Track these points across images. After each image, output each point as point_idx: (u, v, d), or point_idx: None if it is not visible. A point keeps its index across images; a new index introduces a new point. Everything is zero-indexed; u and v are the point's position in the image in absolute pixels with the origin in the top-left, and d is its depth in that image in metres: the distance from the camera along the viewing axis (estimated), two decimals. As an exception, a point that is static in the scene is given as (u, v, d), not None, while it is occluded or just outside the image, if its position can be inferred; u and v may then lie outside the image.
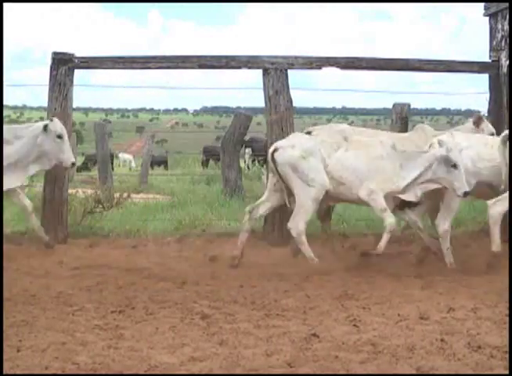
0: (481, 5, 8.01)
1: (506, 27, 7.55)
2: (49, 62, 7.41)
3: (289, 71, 7.51)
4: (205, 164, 25.30)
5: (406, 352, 3.85)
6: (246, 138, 15.61)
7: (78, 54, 7.49)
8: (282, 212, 7.33)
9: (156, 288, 5.44)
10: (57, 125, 6.70)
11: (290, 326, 4.41)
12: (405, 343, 3.99)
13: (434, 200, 6.53)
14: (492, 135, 7.03)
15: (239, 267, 6.35)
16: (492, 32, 7.82)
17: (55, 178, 7.35)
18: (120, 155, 33.95)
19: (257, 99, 7.80)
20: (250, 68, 7.59)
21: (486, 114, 8.04)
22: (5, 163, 6.53)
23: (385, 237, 6.25)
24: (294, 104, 7.56)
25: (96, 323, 4.41)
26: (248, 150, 17.05)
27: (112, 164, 15.45)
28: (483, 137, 6.87)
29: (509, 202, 7.05)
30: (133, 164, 23.95)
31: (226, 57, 7.64)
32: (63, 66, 7.36)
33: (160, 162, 26.71)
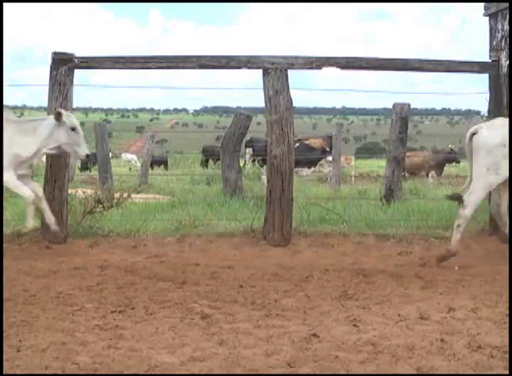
0: (481, 5, 8.00)
1: (506, 27, 7.54)
2: (49, 62, 7.40)
3: (289, 71, 7.50)
4: (204, 164, 25.33)
5: (406, 352, 3.85)
6: (247, 138, 15.62)
7: (78, 54, 7.49)
8: (282, 212, 7.34)
9: (156, 288, 5.44)
10: (71, 117, 6.79)
11: (290, 326, 4.41)
12: (405, 343, 3.99)
13: None
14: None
15: (239, 267, 6.34)
16: (492, 32, 7.82)
17: (55, 178, 7.36)
18: (123, 155, 33.92)
19: (257, 99, 7.81)
20: (250, 68, 7.58)
21: (486, 114, 8.04)
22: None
23: None
24: (294, 104, 7.55)
25: (96, 323, 4.41)
26: (249, 150, 17.06)
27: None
28: None
29: (509, 200, 7.06)
30: (138, 164, 23.95)
31: (226, 57, 7.63)
32: (63, 66, 7.36)
33: (160, 162, 26.74)
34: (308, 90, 9.80)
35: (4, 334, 4.04)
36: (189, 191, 11.85)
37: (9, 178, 6.60)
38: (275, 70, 7.43)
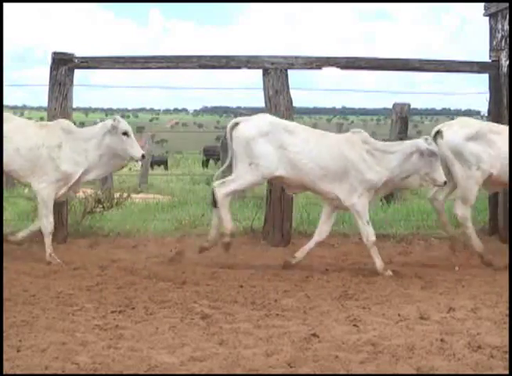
0: (481, 5, 8.01)
1: (506, 27, 7.54)
2: (49, 62, 7.40)
3: (289, 71, 7.50)
4: (205, 164, 25.30)
5: (406, 352, 3.85)
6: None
7: (78, 54, 7.49)
8: (282, 212, 7.34)
9: (156, 288, 5.44)
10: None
11: (290, 326, 4.41)
12: (405, 343, 3.99)
13: None
14: None
15: (239, 267, 6.34)
16: (492, 32, 7.82)
17: (55, 178, 7.34)
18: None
19: (257, 99, 7.78)
20: (250, 68, 7.58)
21: (486, 114, 8.04)
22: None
23: None
24: (294, 104, 7.55)
25: (96, 323, 4.41)
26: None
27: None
28: None
29: (509, 200, 7.05)
30: (139, 163, 23.96)
31: (226, 57, 7.63)
32: (63, 66, 7.36)
33: (160, 162, 26.72)
34: (308, 90, 9.77)
35: (4, 334, 4.03)
36: (189, 191, 11.86)
37: None
38: (275, 70, 7.43)
